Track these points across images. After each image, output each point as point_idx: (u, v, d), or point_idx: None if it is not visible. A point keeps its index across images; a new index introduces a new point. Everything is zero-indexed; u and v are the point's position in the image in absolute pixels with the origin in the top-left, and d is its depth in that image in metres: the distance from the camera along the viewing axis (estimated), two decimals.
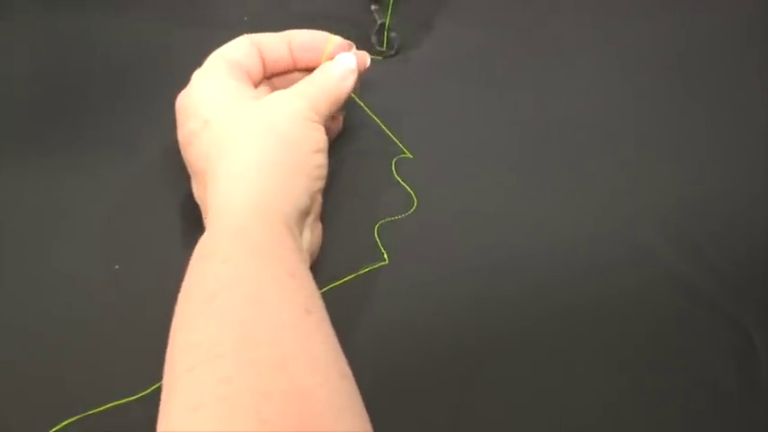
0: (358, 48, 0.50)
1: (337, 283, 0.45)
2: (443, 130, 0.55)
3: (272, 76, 0.50)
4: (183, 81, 0.46)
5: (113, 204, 0.49)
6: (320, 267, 0.45)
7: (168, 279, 0.38)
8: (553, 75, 0.59)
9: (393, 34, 0.61)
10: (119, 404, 0.39)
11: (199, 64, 0.47)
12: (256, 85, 0.48)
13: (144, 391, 0.40)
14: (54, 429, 0.39)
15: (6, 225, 0.48)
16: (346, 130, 0.53)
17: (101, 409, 0.39)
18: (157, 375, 0.35)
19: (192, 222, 0.45)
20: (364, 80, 0.52)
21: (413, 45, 0.62)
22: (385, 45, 0.60)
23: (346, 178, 0.50)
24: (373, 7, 0.61)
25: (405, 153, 0.52)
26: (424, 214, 0.49)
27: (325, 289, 0.44)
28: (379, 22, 0.60)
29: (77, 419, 0.39)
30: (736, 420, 0.39)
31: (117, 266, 0.45)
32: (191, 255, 0.39)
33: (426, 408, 0.39)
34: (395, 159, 0.52)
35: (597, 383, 0.41)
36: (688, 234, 0.47)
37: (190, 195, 0.46)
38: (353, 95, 0.54)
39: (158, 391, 0.35)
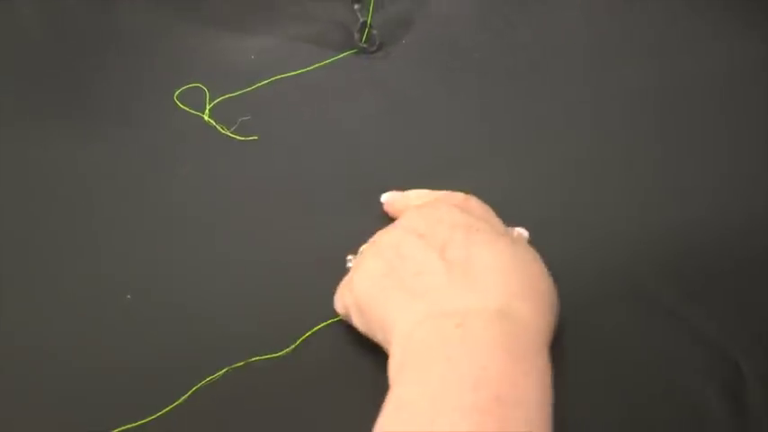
0: (342, 45, 0.52)
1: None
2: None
3: None
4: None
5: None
6: (321, 270, 0.46)
7: None
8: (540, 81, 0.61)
9: (374, 31, 0.63)
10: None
11: None
12: None
13: (144, 419, 0.41)
14: None
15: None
16: None
17: None
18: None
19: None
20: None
21: (393, 41, 0.65)
22: (366, 41, 0.63)
23: None
24: (356, 6, 0.63)
25: None
26: None
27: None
28: (361, 20, 0.62)
29: None
30: None
31: None
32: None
33: None
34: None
35: (591, 410, 0.41)
36: (677, 268, 0.48)
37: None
38: None
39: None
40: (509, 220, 0.47)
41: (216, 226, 0.51)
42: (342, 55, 0.63)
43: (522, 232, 0.47)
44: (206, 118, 0.58)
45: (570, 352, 0.44)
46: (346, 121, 0.58)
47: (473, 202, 0.46)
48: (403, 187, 0.50)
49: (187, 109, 0.59)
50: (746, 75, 0.61)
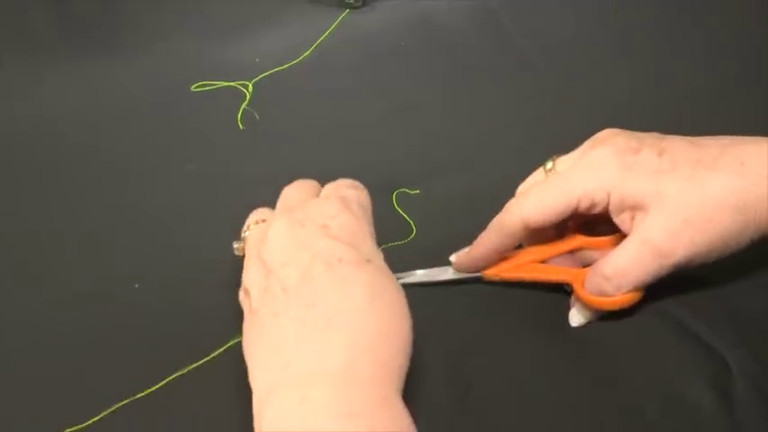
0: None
1: None
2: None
3: None
4: None
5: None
6: None
7: None
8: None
9: None
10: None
11: None
12: None
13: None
14: None
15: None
16: None
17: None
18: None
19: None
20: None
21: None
22: None
23: None
24: None
25: None
26: None
27: None
28: None
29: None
30: None
31: None
32: None
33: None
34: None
35: (580, 404, 0.43)
36: None
37: None
38: None
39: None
40: None
41: (222, 219, 0.52)
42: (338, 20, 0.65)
43: None
44: (217, 113, 0.60)
45: (558, 347, 0.45)
46: (349, 122, 0.60)
47: (345, 218, 0.42)
48: (403, 185, 0.52)
49: (195, 105, 0.61)
50: (739, 76, 0.61)
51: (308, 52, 0.64)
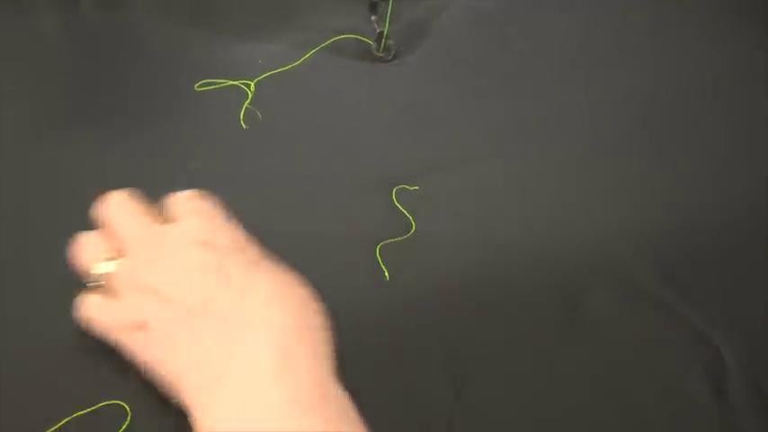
0: (359, 53, 0.54)
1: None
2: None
3: None
4: None
5: None
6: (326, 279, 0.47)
7: None
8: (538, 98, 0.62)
9: (390, 41, 0.66)
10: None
11: None
12: None
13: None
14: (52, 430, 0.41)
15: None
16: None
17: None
18: None
19: None
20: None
21: (408, 51, 0.67)
22: (383, 51, 0.66)
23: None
24: (373, 18, 0.66)
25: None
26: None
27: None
28: (378, 30, 0.65)
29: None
30: (708, 426, 0.42)
31: None
32: None
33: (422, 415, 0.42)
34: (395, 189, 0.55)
35: (575, 395, 0.43)
36: (661, 257, 0.50)
37: None
38: None
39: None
40: (508, 215, 0.50)
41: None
42: (341, 37, 0.66)
43: None
44: (220, 112, 0.60)
45: (555, 338, 0.46)
46: (349, 121, 0.60)
47: (220, 229, 0.43)
48: (402, 182, 0.53)
49: (199, 104, 0.61)
50: (735, 77, 0.63)
51: (309, 53, 0.66)
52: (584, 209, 0.53)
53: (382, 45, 0.66)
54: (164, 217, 0.44)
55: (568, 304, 0.47)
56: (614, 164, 0.56)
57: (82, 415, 0.42)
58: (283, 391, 0.36)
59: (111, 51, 0.67)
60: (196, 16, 0.69)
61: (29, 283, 0.50)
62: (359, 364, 0.40)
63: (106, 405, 0.43)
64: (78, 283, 0.48)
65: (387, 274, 0.50)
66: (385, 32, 0.66)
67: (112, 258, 0.42)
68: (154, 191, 0.55)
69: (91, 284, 0.43)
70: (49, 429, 0.41)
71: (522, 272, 0.49)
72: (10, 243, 0.52)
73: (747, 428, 0.42)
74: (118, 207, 0.45)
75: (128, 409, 0.43)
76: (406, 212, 0.53)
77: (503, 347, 0.46)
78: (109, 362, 0.44)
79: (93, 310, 0.42)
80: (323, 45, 0.66)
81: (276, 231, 0.49)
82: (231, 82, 0.62)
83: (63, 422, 0.42)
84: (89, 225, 0.52)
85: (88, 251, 0.43)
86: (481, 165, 0.57)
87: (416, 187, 0.55)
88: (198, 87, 0.62)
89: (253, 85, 0.63)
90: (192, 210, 0.43)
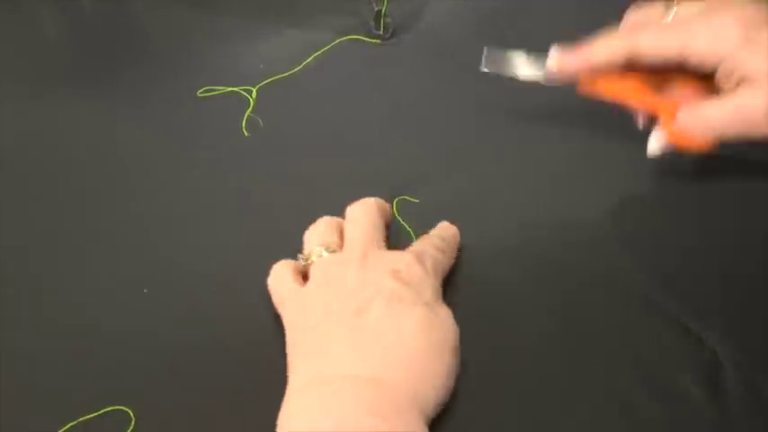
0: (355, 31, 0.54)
1: None
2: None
3: None
4: None
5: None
6: None
7: None
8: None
9: (388, 20, 0.65)
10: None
11: None
12: None
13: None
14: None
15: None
16: None
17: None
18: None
19: None
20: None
21: (406, 29, 0.66)
22: (382, 30, 0.65)
23: None
24: None
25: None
26: None
27: None
28: (375, 9, 0.65)
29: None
30: (704, 427, 0.42)
31: None
32: None
33: None
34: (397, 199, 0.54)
35: (569, 397, 0.44)
36: (654, 257, 0.50)
37: None
38: None
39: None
40: (507, 216, 0.50)
41: (226, 224, 0.53)
42: (343, 38, 0.65)
43: None
44: (221, 119, 0.60)
45: (548, 340, 0.46)
46: (351, 128, 0.60)
47: (415, 269, 0.45)
48: (404, 193, 0.53)
49: (201, 111, 0.61)
50: None
51: (311, 58, 0.64)
52: (582, 212, 0.53)
53: (381, 24, 0.65)
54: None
55: (565, 307, 0.48)
56: (615, 167, 0.56)
57: (86, 420, 0.42)
58: (367, 400, 0.39)
59: (111, 51, 0.66)
60: (197, 16, 0.69)
61: (29, 283, 0.50)
62: None
63: (111, 410, 0.43)
64: (78, 284, 0.49)
65: None
66: (383, 11, 0.65)
67: (333, 251, 0.47)
68: (154, 191, 0.56)
69: (300, 259, 0.48)
70: None
71: (520, 276, 0.50)
72: (10, 243, 0.52)
73: (743, 429, 0.42)
74: (362, 210, 0.49)
75: (132, 414, 0.43)
76: (407, 226, 0.53)
77: (501, 351, 0.46)
78: (114, 367, 0.45)
79: (279, 284, 0.47)
80: (325, 48, 0.65)
81: (278, 240, 0.50)
82: (232, 89, 0.62)
83: (68, 426, 0.42)
84: (89, 226, 0.53)
85: (323, 234, 0.48)
86: (480, 170, 0.56)
87: (417, 200, 0.54)
88: (200, 94, 0.62)
89: (255, 91, 0.62)
90: (416, 248, 0.47)
